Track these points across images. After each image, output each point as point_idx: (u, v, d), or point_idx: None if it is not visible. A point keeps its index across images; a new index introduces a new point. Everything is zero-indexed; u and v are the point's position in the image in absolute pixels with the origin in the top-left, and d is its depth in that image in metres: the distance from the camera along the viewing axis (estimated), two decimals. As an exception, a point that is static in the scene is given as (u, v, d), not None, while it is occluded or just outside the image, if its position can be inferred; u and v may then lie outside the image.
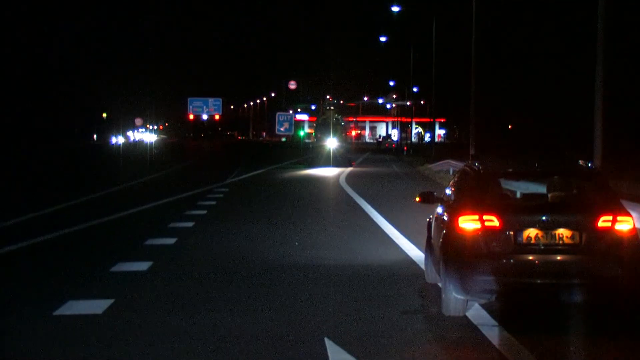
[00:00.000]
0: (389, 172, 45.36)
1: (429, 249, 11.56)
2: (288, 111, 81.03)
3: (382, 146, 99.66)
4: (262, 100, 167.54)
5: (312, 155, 56.77)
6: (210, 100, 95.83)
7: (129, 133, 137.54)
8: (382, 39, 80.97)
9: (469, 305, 9.80)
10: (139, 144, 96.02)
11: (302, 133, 79.75)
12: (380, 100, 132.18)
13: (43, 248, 15.60)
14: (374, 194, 28.00)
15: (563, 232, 9.11)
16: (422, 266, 12.35)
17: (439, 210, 10.97)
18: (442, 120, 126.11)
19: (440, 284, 10.15)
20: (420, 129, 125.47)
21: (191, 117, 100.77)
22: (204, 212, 21.84)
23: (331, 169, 46.24)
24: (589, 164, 10.83)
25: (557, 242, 9.10)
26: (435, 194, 11.53)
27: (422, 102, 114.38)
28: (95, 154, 71.82)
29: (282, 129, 75.37)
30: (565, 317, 9.43)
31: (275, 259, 13.95)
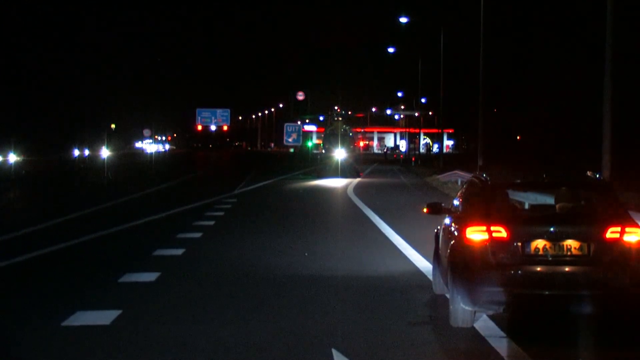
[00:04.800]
0: (397, 183, 45.32)
1: (436, 259, 11.55)
2: (296, 122, 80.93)
3: (388, 157, 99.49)
4: (270, 111, 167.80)
5: (320, 166, 56.75)
6: (219, 111, 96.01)
7: (138, 144, 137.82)
8: (391, 49, 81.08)
9: (476, 317, 9.78)
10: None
11: (310, 144, 79.63)
12: (389, 111, 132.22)
13: (51, 259, 15.64)
14: (382, 204, 27.98)
15: (571, 243, 9.09)
16: (430, 277, 12.33)
17: (447, 221, 10.97)
18: (450, 131, 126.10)
19: (448, 295, 10.13)
20: (428, 140, 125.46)
21: (199, 127, 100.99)
22: (212, 222, 21.86)
23: (339, 179, 46.24)
24: (597, 175, 10.82)
25: (565, 253, 9.08)
26: (443, 204, 11.52)
27: (430, 113, 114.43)
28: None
29: (290, 139, 75.28)
30: (573, 329, 9.39)
31: (283, 269, 13.95)
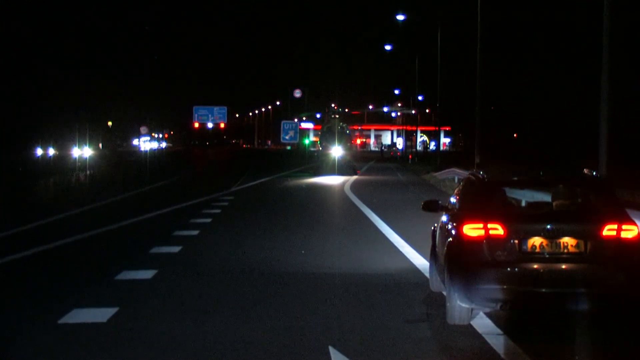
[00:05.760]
0: (394, 180, 45.34)
1: (433, 257, 11.56)
2: (293, 119, 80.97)
3: (385, 155, 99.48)
4: (267, 109, 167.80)
5: (317, 163, 56.80)
6: (216, 108, 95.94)
7: (135, 141, 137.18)
8: (387, 47, 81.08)
9: (473, 314, 9.79)
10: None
11: (307, 141, 79.77)
12: (386, 109, 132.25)
13: (48, 256, 15.63)
14: (379, 202, 27.99)
15: (568, 241, 9.09)
16: (427, 274, 12.34)
17: (444, 218, 10.97)
18: (447, 129, 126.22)
19: (444, 293, 10.13)
20: (425, 138, 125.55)
21: (196, 125, 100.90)
22: (209, 220, 21.85)
23: (336, 177, 46.25)
24: (594, 173, 10.81)
25: (562, 250, 9.08)
26: (439, 202, 11.51)
27: (427, 111, 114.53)
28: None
29: (287, 137, 75.34)
30: (570, 326, 9.40)
31: (280, 266, 13.95)
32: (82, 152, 66.62)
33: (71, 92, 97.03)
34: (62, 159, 68.06)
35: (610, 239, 9.09)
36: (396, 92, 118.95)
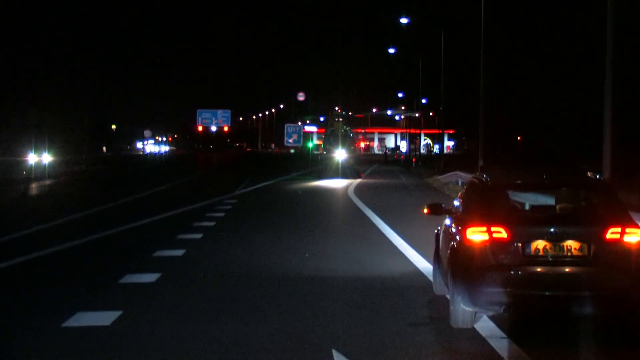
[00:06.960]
0: (397, 183, 45.32)
1: (437, 260, 11.55)
2: (297, 122, 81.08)
3: (389, 158, 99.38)
4: (270, 112, 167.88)
5: (320, 166, 56.71)
6: (219, 111, 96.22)
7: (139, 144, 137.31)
8: (391, 50, 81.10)
9: (477, 317, 9.79)
10: None
11: (310, 144, 79.80)
12: (389, 112, 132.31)
13: (52, 260, 15.64)
14: (382, 205, 27.98)
15: (571, 244, 9.08)
16: (431, 278, 12.34)
17: (447, 222, 10.97)
18: (451, 132, 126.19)
19: (448, 296, 10.13)
20: (429, 141, 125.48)
21: (200, 128, 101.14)
22: (213, 223, 21.86)
23: (340, 180, 46.24)
24: (598, 176, 10.81)
25: (565, 254, 9.08)
26: (443, 205, 11.52)
27: (431, 114, 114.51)
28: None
29: (290, 140, 75.47)
30: (574, 329, 9.39)
31: (284, 270, 13.95)
32: (41, 158, 54.88)
33: (72, 95, 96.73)
34: (9, 165, 55.97)
35: (613, 242, 9.08)
36: (400, 95, 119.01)
